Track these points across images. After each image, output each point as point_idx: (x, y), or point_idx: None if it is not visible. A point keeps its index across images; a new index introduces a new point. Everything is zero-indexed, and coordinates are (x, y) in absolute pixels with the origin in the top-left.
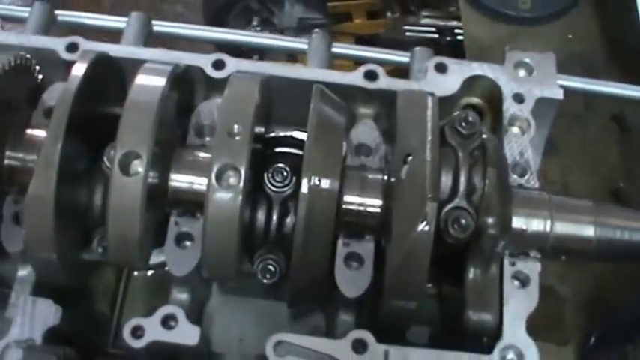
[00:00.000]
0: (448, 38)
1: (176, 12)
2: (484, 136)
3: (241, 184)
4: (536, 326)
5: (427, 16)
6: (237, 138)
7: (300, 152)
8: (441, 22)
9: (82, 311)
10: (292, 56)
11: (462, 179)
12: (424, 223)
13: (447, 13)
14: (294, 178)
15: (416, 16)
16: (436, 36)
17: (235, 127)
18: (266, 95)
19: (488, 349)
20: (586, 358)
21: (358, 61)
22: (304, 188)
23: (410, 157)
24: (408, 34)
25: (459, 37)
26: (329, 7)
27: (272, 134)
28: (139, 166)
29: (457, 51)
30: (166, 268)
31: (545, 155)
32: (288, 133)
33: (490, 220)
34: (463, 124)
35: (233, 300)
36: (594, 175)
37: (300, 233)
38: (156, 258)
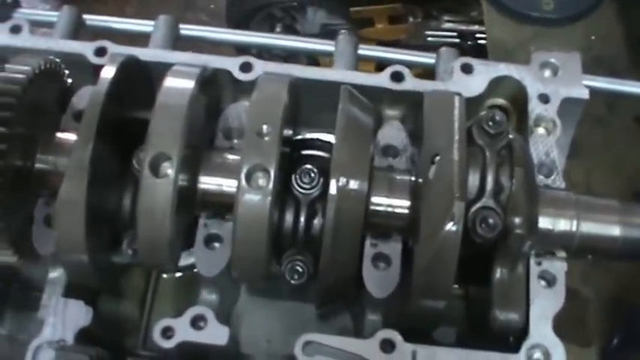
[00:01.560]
0: (470, 43)
1: (200, 20)
2: (510, 135)
3: (271, 185)
4: (559, 327)
5: (449, 21)
6: (267, 138)
7: (326, 155)
8: (463, 27)
9: (111, 313)
10: (314, 61)
11: (490, 179)
12: (452, 222)
13: (469, 17)
14: (321, 180)
15: (437, 20)
16: (458, 40)
17: (264, 127)
18: (294, 97)
19: (515, 350)
20: (609, 359)
21: (383, 64)
22: (333, 189)
23: (437, 157)
24: (429, 39)
25: (481, 42)
26: (352, 12)
27: (298, 137)
28: (168, 168)
29: (479, 55)
30: (195, 269)
31: (569, 157)
32: (314, 136)
33: (517, 220)
34: (490, 123)
35: (260, 302)
36: (617, 176)
37: (328, 234)
38: (184, 260)
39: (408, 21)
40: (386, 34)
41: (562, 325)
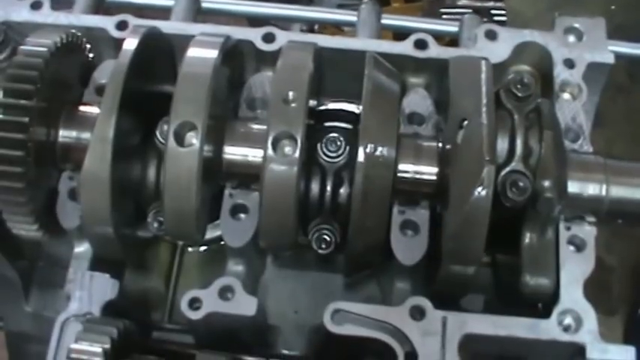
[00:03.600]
0: (485, 20)
1: None
2: (538, 99)
3: (297, 153)
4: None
5: None
6: (293, 105)
7: (348, 126)
8: (478, 3)
9: (136, 287)
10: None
11: (519, 142)
12: (482, 186)
13: None
14: (347, 148)
15: None
16: None
17: (290, 94)
18: (318, 66)
19: (544, 316)
20: (634, 327)
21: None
22: (361, 156)
23: (465, 122)
24: (444, 16)
25: (496, 18)
26: None
27: (321, 107)
28: (193, 138)
29: None
30: (221, 242)
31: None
32: (337, 106)
33: (547, 184)
34: (519, 86)
35: (286, 273)
36: (638, 145)
37: (357, 200)
38: (209, 233)
39: None
40: (401, 12)
41: (586, 293)
